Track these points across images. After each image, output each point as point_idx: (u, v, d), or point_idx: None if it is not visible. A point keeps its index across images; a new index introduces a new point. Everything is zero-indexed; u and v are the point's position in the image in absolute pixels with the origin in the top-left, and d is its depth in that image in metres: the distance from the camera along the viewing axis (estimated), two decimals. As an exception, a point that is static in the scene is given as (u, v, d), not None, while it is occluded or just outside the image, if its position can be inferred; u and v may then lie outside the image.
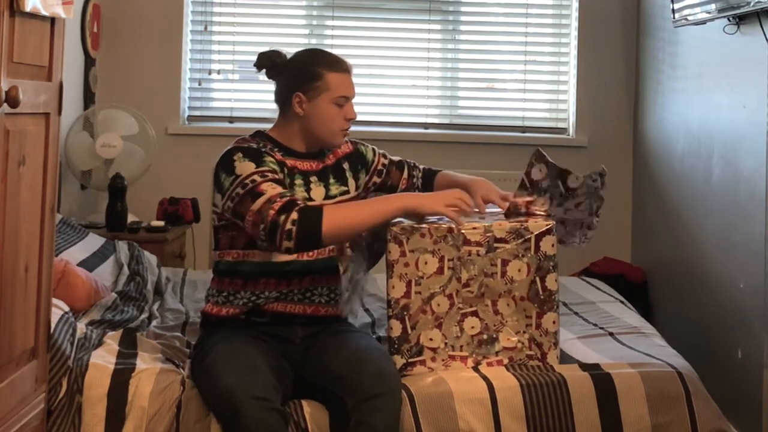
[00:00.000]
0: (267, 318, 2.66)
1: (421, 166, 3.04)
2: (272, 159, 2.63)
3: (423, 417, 2.48)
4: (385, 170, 2.94)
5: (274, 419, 2.33)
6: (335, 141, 2.76)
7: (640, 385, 2.57)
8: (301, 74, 2.72)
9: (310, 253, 2.66)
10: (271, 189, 2.52)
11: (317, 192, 2.73)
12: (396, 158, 3.00)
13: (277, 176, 2.58)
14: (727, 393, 3.37)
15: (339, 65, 2.73)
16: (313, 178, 2.74)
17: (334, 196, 2.76)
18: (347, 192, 2.81)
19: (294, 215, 2.45)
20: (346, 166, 2.85)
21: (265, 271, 2.66)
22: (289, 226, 2.45)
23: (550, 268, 2.62)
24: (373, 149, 2.96)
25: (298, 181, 2.70)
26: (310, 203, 2.60)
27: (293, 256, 2.63)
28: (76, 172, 4.47)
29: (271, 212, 2.47)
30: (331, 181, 2.77)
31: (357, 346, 2.60)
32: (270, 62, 2.77)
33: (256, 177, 2.55)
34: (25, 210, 2.26)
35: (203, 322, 2.75)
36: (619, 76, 5.06)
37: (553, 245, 2.62)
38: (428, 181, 2.99)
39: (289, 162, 2.71)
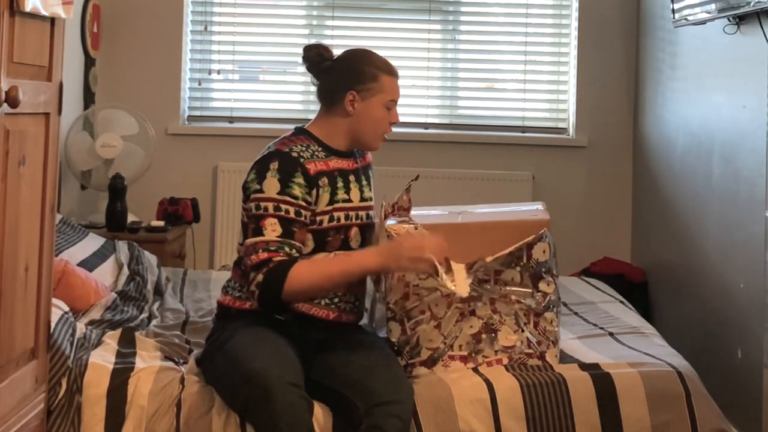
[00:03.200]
0: (288, 316, 2.63)
1: None
2: (301, 182, 2.58)
3: (423, 418, 2.48)
4: None
5: (303, 408, 2.34)
6: (376, 144, 2.75)
7: (640, 384, 2.57)
8: (357, 73, 2.71)
9: None
10: (270, 230, 2.53)
11: (355, 193, 2.72)
12: None
13: (290, 209, 2.55)
14: (727, 393, 3.37)
15: (393, 69, 2.77)
16: (352, 177, 2.73)
17: (367, 199, 2.77)
18: (372, 198, 2.80)
19: (260, 277, 2.50)
20: (370, 173, 2.87)
21: None
22: (253, 287, 2.51)
23: (543, 274, 2.62)
24: None
25: (339, 184, 2.68)
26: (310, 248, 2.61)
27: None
28: (76, 172, 4.47)
29: (249, 262, 2.53)
30: (364, 183, 2.77)
31: (370, 351, 2.58)
32: (319, 57, 2.75)
33: (270, 206, 2.55)
34: (25, 210, 2.26)
35: (220, 314, 2.72)
36: (619, 77, 5.06)
37: (544, 252, 2.61)
38: None
39: (331, 163, 2.69)
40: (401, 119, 5.46)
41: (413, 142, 5.04)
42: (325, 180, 2.64)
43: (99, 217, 4.45)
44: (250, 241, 2.55)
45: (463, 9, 5.19)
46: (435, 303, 2.61)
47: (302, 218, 2.58)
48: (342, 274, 2.55)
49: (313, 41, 5.05)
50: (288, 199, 2.56)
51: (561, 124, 5.15)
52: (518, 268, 2.61)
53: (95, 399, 2.53)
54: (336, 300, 2.67)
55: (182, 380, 2.56)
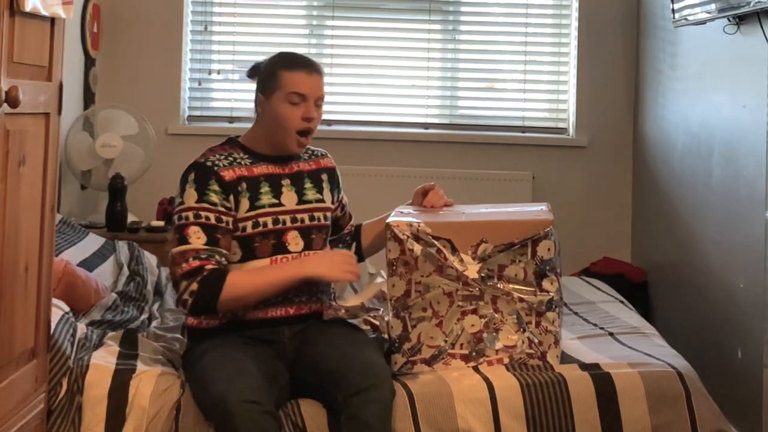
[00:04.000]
0: (250, 325, 2.64)
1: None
2: (216, 189, 2.61)
3: (422, 417, 2.48)
4: (342, 208, 2.95)
5: (267, 422, 2.32)
6: (290, 143, 2.70)
7: (640, 385, 2.57)
8: (263, 75, 2.75)
9: (284, 260, 2.67)
10: (194, 238, 2.56)
11: (289, 197, 2.71)
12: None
13: (210, 215, 2.58)
14: (727, 393, 3.37)
15: (296, 63, 2.71)
16: (285, 182, 2.72)
17: (310, 201, 2.74)
18: (322, 201, 2.77)
19: (194, 286, 2.51)
20: (324, 177, 2.83)
21: None
22: (186, 296, 2.52)
23: (546, 271, 2.62)
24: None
25: (264, 189, 2.68)
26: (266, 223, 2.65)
27: (266, 263, 2.65)
28: (76, 172, 4.47)
29: (179, 271, 2.54)
30: (307, 185, 2.75)
31: (345, 340, 2.60)
32: (252, 69, 2.84)
33: (190, 215, 2.59)
34: (25, 210, 2.26)
35: (189, 335, 2.74)
36: (619, 77, 5.06)
37: (549, 249, 2.62)
38: (357, 234, 2.98)
39: (257, 169, 2.69)
40: (401, 119, 5.46)
41: (413, 142, 5.04)
42: (243, 185, 2.64)
43: (99, 217, 4.45)
44: (176, 250, 2.57)
45: (463, 9, 5.19)
46: (437, 300, 2.61)
47: (224, 224, 2.60)
48: (278, 279, 2.58)
49: (313, 41, 5.13)
50: (206, 206, 2.59)
51: (561, 124, 5.15)
52: (522, 264, 2.61)
53: (96, 399, 2.52)
54: (290, 296, 2.67)
55: (183, 385, 2.56)
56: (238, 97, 5.14)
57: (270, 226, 2.66)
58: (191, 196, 2.61)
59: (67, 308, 2.80)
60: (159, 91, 4.97)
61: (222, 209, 2.60)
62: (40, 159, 2.33)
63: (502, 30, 5.19)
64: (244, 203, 2.64)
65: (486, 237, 2.61)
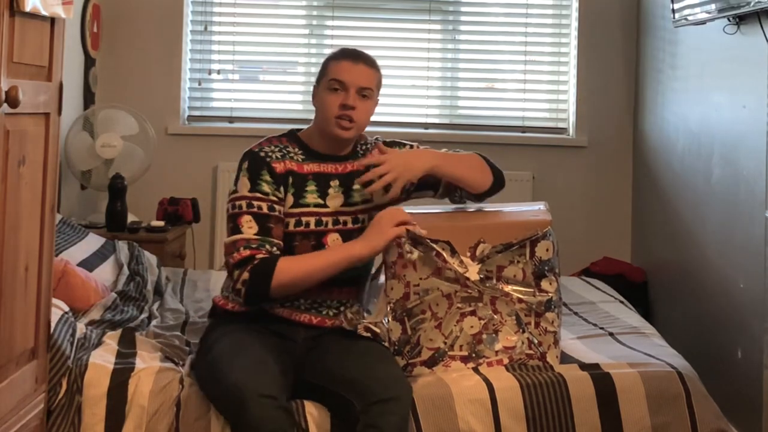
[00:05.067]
0: (271, 318, 2.65)
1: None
2: (268, 179, 2.62)
3: (423, 418, 2.48)
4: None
5: (281, 418, 2.33)
6: (333, 128, 2.68)
7: (640, 385, 2.57)
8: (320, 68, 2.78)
9: None
10: (246, 227, 2.57)
11: (334, 198, 2.69)
12: None
13: (263, 204, 2.59)
14: (727, 393, 3.37)
15: (344, 53, 2.74)
16: (334, 182, 2.71)
17: (356, 204, 2.72)
18: (370, 201, 2.74)
19: (245, 275, 2.52)
20: None
21: None
22: (239, 285, 2.53)
23: (545, 272, 2.62)
24: (410, 146, 2.88)
25: (311, 187, 2.68)
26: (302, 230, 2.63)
27: None
28: (76, 172, 4.47)
29: (231, 261, 2.56)
30: (357, 186, 2.72)
31: (365, 350, 2.58)
32: None
33: (243, 204, 2.60)
34: (25, 210, 2.26)
35: (211, 312, 2.78)
36: (619, 76, 5.06)
37: (547, 250, 2.61)
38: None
39: (307, 166, 2.69)
40: (401, 119, 5.46)
41: (413, 142, 5.03)
42: (290, 180, 2.66)
43: (99, 217, 4.45)
44: (229, 239, 2.59)
45: (463, 9, 5.19)
46: (436, 302, 2.61)
47: (276, 213, 2.62)
48: (328, 263, 2.58)
49: (313, 41, 5.13)
50: (259, 195, 2.61)
51: (561, 124, 5.15)
52: (521, 265, 2.61)
53: (95, 399, 2.53)
54: (317, 305, 2.67)
55: (182, 381, 2.56)
56: (238, 97, 5.13)
57: (312, 226, 2.67)
58: (244, 185, 2.62)
59: (66, 308, 2.80)
60: (159, 91, 4.97)
61: (274, 198, 2.62)
62: (40, 159, 2.33)
63: (502, 30, 5.19)
64: (289, 198, 2.66)
65: (484, 238, 2.61)
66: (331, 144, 2.72)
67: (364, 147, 2.81)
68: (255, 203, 2.60)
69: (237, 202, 2.62)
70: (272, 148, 2.69)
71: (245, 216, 2.59)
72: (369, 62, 2.74)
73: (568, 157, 5.08)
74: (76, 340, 2.67)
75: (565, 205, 4.81)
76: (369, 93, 2.70)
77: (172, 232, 4.40)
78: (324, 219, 2.68)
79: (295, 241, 2.65)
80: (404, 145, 2.87)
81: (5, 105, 2.06)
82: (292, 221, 2.65)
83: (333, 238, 2.68)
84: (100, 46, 4.89)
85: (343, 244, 2.65)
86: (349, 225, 2.71)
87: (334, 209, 2.69)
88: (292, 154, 2.70)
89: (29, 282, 2.31)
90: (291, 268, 2.54)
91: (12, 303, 2.21)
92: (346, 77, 2.67)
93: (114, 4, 4.96)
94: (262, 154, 2.67)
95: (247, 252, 2.54)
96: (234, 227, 2.59)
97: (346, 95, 2.66)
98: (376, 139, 2.87)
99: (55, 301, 2.64)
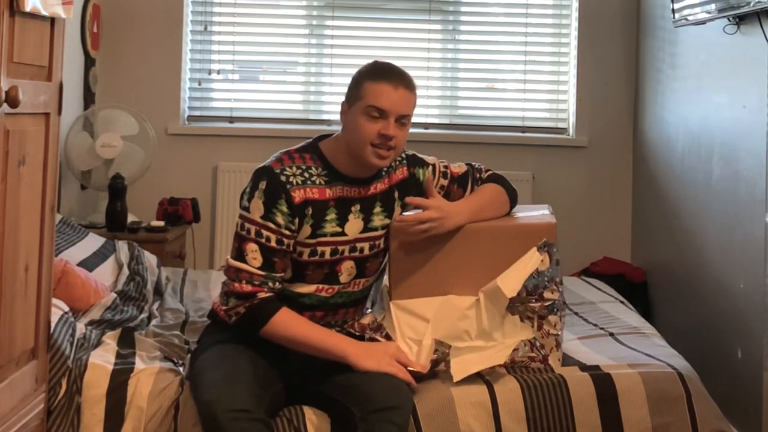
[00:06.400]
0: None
1: (485, 174, 2.86)
2: (284, 210, 2.49)
3: (424, 420, 2.47)
4: (443, 192, 2.74)
5: (257, 428, 2.29)
6: (368, 157, 2.52)
7: (640, 385, 2.57)
8: (351, 83, 2.60)
9: (329, 290, 2.61)
10: (251, 257, 2.48)
11: (353, 225, 2.58)
12: (461, 170, 2.80)
13: (271, 236, 2.49)
14: (727, 393, 3.37)
15: (382, 73, 2.54)
16: (355, 207, 2.59)
17: (375, 229, 2.62)
18: (387, 226, 2.64)
19: (241, 309, 2.48)
20: (396, 194, 2.66)
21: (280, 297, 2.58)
22: (232, 314, 2.50)
23: (546, 283, 2.61)
24: (433, 168, 2.74)
25: (330, 216, 2.55)
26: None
27: (312, 289, 2.59)
28: (76, 172, 4.47)
29: (230, 288, 2.49)
30: (377, 210, 2.61)
31: None
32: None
33: (252, 230, 2.50)
34: (25, 210, 2.26)
35: (211, 312, 2.73)
36: (619, 76, 5.06)
37: (543, 261, 2.61)
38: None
39: (330, 191, 2.55)
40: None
41: (413, 142, 4.95)
42: (310, 210, 2.53)
43: (99, 217, 4.45)
44: (233, 263, 2.50)
45: (463, 9, 5.20)
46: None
47: (284, 246, 2.51)
48: (320, 343, 2.49)
49: (313, 41, 5.13)
50: (270, 225, 2.49)
51: (561, 124, 5.15)
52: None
53: (95, 399, 2.52)
54: (324, 323, 2.62)
55: (181, 383, 2.56)
56: (238, 97, 5.13)
57: (327, 256, 2.57)
58: (257, 209, 2.50)
59: (66, 308, 2.80)
60: (159, 91, 4.97)
61: (285, 231, 2.50)
62: (40, 159, 2.33)
63: (502, 30, 5.19)
64: (306, 229, 2.53)
65: (487, 244, 2.62)
66: (359, 168, 2.58)
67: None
68: (264, 233, 2.49)
69: (247, 225, 2.50)
70: (293, 170, 2.53)
71: (252, 244, 2.49)
72: (408, 85, 2.56)
73: (568, 157, 5.08)
74: (75, 340, 2.67)
75: (565, 205, 4.80)
76: (408, 120, 2.56)
77: (172, 232, 4.40)
78: (340, 248, 2.58)
79: (308, 270, 2.57)
80: (427, 165, 2.74)
81: (5, 105, 2.06)
82: (306, 251, 2.55)
83: (347, 266, 2.60)
84: (100, 46, 4.89)
85: (344, 338, 2.55)
86: (366, 252, 2.61)
87: (352, 237, 2.59)
88: (314, 177, 2.55)
89: (29, 282, 2.31)
90: (286, 326, 2.48)
91: (12, 303, 2.21)
92: (386, 105, 2.50)
93: (114, 4, 4.96)
94: (283, 178, 2.51)
95: (249, 288, 2.48)
96: (239, 250, 2.50)
97: (386, 124, 2.50)
98: (412, 154, 2.75)
99: (55, 301, 2.64)
